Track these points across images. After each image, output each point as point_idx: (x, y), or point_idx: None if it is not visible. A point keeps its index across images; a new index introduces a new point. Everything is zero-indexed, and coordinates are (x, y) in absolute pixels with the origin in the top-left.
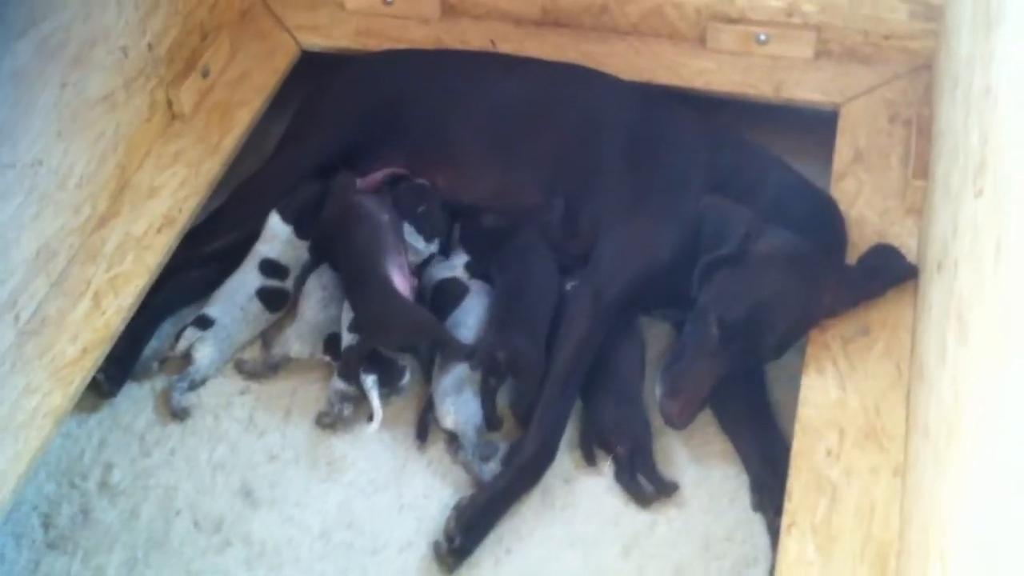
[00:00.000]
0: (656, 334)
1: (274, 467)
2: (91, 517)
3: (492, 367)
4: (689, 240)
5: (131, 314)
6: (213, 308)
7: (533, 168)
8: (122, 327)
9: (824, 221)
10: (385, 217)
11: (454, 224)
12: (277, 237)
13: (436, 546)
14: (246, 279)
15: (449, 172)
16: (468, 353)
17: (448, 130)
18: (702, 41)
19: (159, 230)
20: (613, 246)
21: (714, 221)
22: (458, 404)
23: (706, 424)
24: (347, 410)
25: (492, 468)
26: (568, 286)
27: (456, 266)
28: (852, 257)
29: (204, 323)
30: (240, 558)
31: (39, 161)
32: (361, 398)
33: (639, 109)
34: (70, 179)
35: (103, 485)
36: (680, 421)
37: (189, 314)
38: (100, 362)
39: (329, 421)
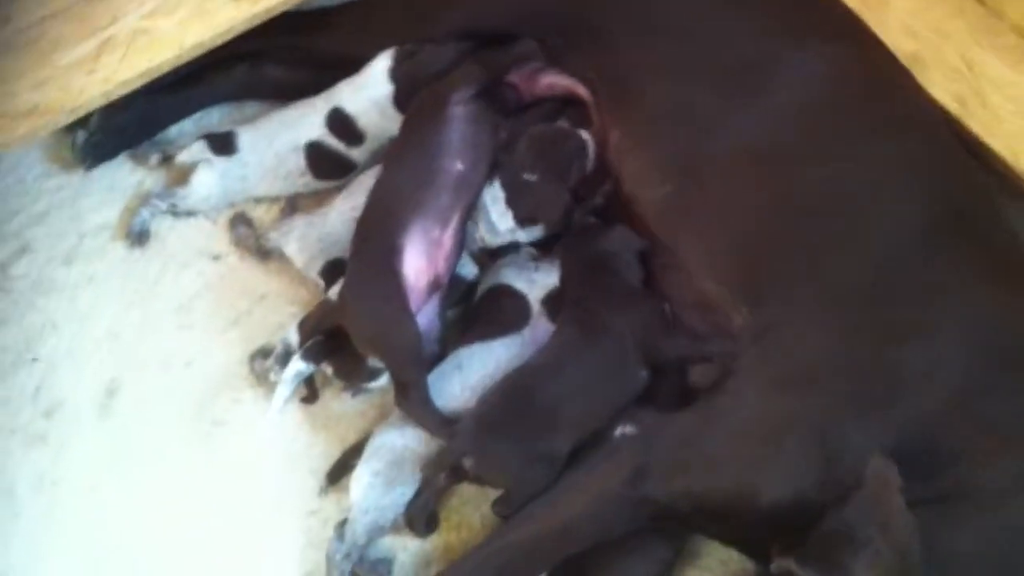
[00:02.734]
0: (723, 559)
1: (160, 380)
2: None
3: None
4: (818, 494)
5: (118, 92)
6: (246, 133)
7: (739, 229)
8: (94, 105)
9: None
10: (458, 166)
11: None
12: (369, 89)
13: None
14: (302, 121)
15: (626, 136)
16: (431, 426)
17: (660, 78)
18: None
19: None
20: (706, 426)
21: (852, 505)
22: (376, 479)
23: None
24: (275, 373)
25: None
26: (618, 430)
27: (536, 282)
28: None
29: (224, 146)
30: (34, 470)
31: None
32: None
33: (932, 229)
34: None
35: (1, 268)
36: None
37: (248, 117)
38: (35, 135)
39: (258, 369)
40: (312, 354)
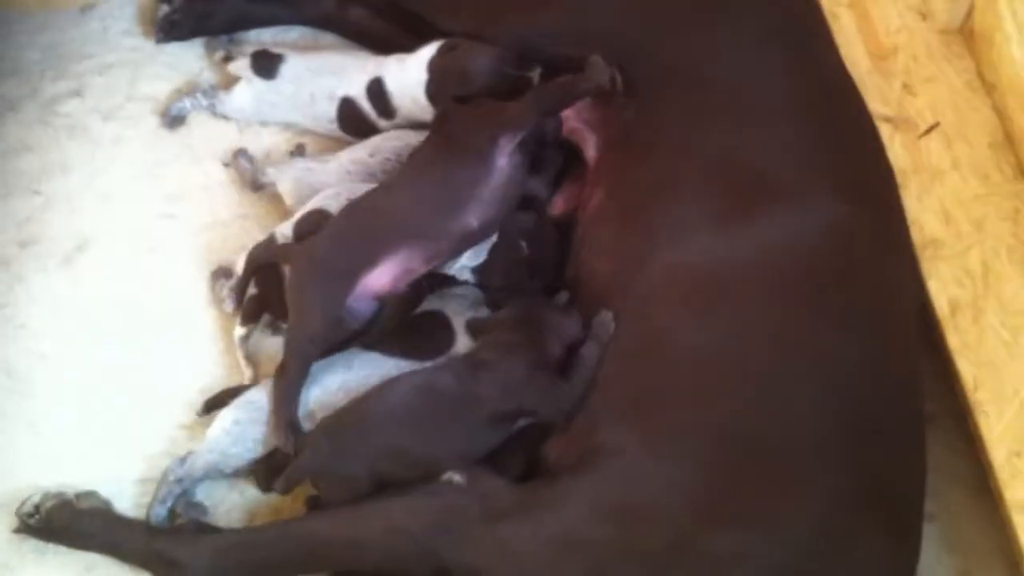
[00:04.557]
0: None
1: (123, 254)
2: None
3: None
4: None
5: None
6: (292, 63)
7: (649, 341)
8: None
9: None
10: (472, 224)
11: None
12: (410, 72)
13: (21, 506)
14: (347, 75)
15: (608, 203)
16: (278, 409)
17: (671, 158)
18: None
19: None
20: (517, 514)
21: None
22: (233, 428)
23: None
24: (228, 302)
25: (161, 513)
26: (448, 474)
27: (461, 311)
28: None
29: (267, 68)
30: None
31: None
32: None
33: (823, 433)
34: None
35: (51, 102)
36: None
37: (323, 45)
38: None
39: (217, 292)
40: (248, 315)
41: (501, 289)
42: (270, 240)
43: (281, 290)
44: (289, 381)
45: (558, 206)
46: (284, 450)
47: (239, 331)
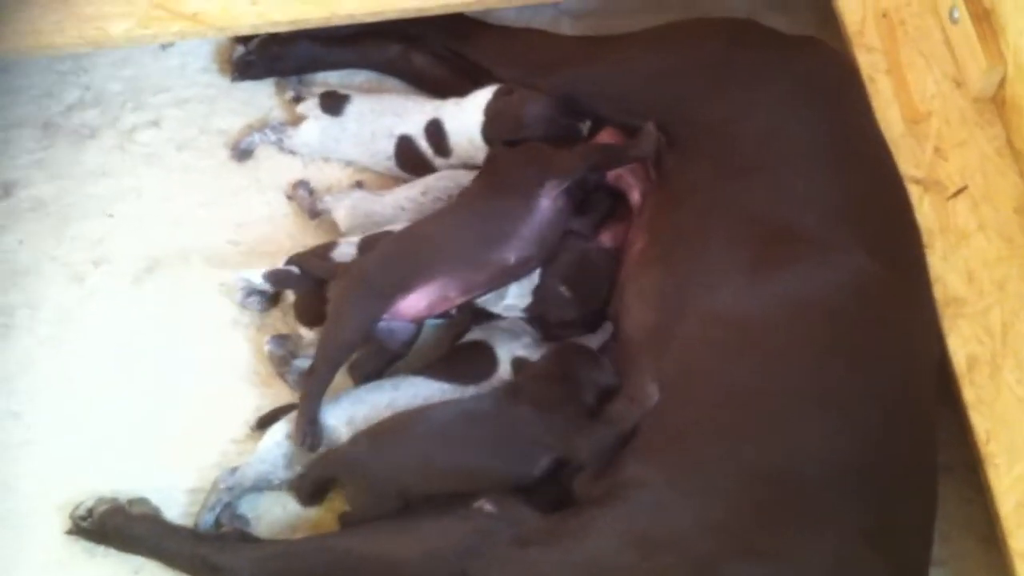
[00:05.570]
0: None
1: (190, 276)
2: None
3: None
4: None
5: (265, 29)
6: (357, 103)
7: (682, 387)
8: (240, 32)
9: None
10: (511, 259)
11: None
12: (467, 114)
13: (75, 509)
14: (407, 116)
15: (650, 249)
16: (303, 414)
17: (706, 210)
18: None
19: None
20: (546, 541)
21: None
22: (285, 441)
23: None
24: (256, 303)
25: (209, 520)
26: (479, 502)
27: (505, 343)
28: None
29: (333, 107)
30: (60, 301)
31: None
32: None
33: (841, 472)
34: None
35: (130, 131)
36: None
37: (386, 88)
38: (182, 37)
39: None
40: (274, 278)
41: (557, 325)
42: (327, 248)
43: (312, 298)
44: (316, 381)
45: (603, 242)
46: (301, 445)
47: (254, 276)
